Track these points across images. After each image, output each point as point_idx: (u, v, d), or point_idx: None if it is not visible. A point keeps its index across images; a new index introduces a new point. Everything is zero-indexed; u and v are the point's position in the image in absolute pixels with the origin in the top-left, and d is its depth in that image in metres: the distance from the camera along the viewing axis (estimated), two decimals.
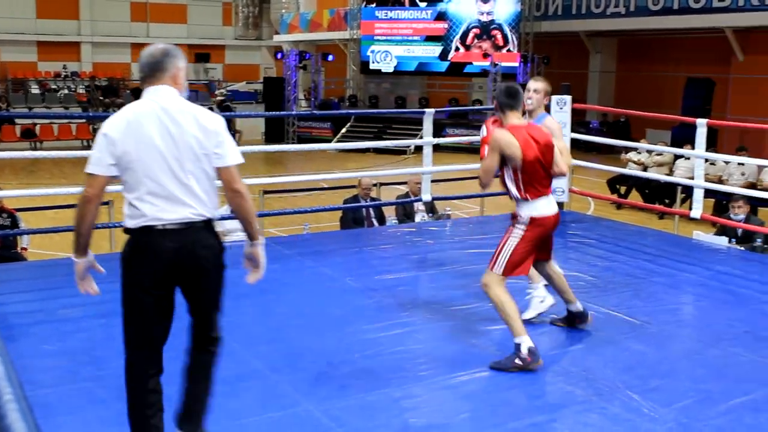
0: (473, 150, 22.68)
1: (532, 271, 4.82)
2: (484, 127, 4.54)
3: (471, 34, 24.40)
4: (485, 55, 23.63)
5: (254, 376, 4.15)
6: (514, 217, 4.53)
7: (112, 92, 28.11)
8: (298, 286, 5.79)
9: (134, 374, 3.14)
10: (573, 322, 4.95)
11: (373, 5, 25.87)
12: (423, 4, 25.00)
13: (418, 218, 9.37)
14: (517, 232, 4.45)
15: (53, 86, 30.25)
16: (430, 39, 25.01)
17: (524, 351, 4.27)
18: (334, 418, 3.68)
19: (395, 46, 25.57)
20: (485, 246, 7.16)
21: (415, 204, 9.32)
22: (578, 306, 4.91)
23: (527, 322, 4.64)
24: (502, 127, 4.48)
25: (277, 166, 20.60)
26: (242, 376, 4.12)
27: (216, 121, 3.16)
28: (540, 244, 4.57)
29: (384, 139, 20.78)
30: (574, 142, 8.62)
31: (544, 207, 4.48)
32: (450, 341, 4.73)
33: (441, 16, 24.76)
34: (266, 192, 9.68)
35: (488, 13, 24.11)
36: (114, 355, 4.36)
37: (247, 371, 4.19)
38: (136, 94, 3.68)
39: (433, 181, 8.46)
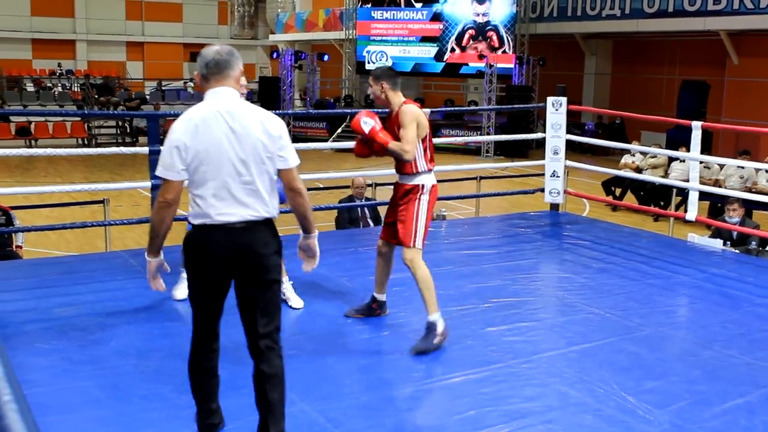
0: (469, 151, 22.77)
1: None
2: (367, 119, 4.67)
3: (466, 35, 24.41)
4: (481, 57, 23.65)
5: (249, 377, 4.14)
6: (413, 190, 4.72)
7: (107, 90, 28.07)
8: (293, 286, 5.78)
9: (199, 359, 3.39)
10: (374, 311, 5.13)
11: (369, 5, 25.87)
12: (418, 5, 25.00)
13: None
14: (423, 203, 4.70)
15: (48, 84, 30.18)
16: (426, 40, 25.01)
17: (440, 328, 4.58)
18: (330, 418, 3.68)
19: (391, 47, 25.57)
20: (481, 247, 7.19)
21: None
22: (384, 297, 5.14)
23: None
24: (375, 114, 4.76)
25: None
26: (237, 376, 4.11)
27: (279, 125, 3.27)
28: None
29: None
30: (569, 143, 8.63)
31: (433, 177, 4.81)
32: (445, 342, 4.73)
33: (436, 17, 24.77)
34: None
35: (484, 14, 24.11)
36: (110, 355, 4.37)
37: (241, 371, 4.18)
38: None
39: None
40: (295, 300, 5.37)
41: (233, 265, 3.20)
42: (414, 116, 4.61)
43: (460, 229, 8.40)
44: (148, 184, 6.52)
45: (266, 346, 3.31)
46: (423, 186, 4.71)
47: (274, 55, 27.30)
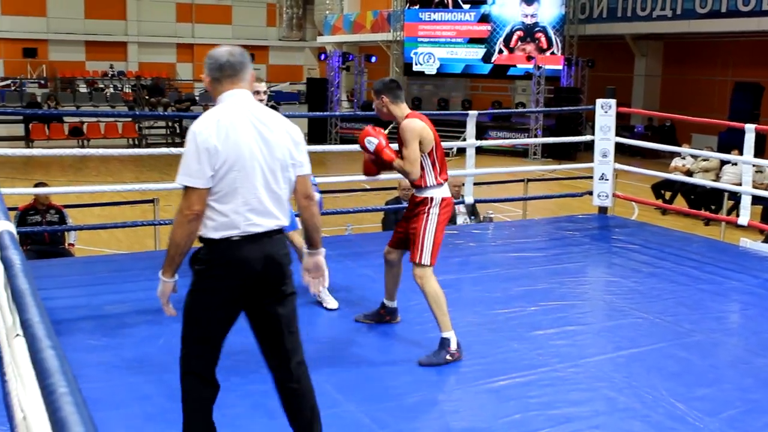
0: (517, 153, 22.64)
1: None
2: (371, 138, 4.53)
3: (514, 37, 24.26)
4: (529, 58, 23.50)
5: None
6: (423, 203, 4.56)
7: (158, 92, 28.47)
8: (339, 287, 5.79)
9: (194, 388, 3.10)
10: (383, 317, 5.02)
11: (417, 7, 25.84)
12: (466, 6, 24.91)
13: (459, 221, 9.33)
14: (433, 217, 4.52)
15: (100, 85, 30.74)
16: (474, 41, 24.92)
17: (453, 346, 4.42)
18: (376, 419, 3.68)
19: (438, 48, 25.51)
20: (528, 249, 7.14)
21: (457, 206, 9.29)
22: (395, 304, 5.02)
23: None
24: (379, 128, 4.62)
25: (320, 166, 20.62)
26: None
27: (299, 130, 3.13)
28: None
29: None
30: (618, 146, 8.52)
31: (447, 189, 4.63)
32: (491, 345, 4.70)
33: (484, 19, 24.66)
34: None
35: (532, 16, 23.94)
36: (159, 352, 4.43)
37: None
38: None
39: (474, 184, 8.44)
40: (330, 301, 5.35)
41: (258, 278, 2.97)
42: (415, 133, 4.45)
43: (507, 231, 8.36)
44: None
45: (297, 362, 3.11)
46: (432, 199, 4.55)
47: (322, 57, 27.45)
